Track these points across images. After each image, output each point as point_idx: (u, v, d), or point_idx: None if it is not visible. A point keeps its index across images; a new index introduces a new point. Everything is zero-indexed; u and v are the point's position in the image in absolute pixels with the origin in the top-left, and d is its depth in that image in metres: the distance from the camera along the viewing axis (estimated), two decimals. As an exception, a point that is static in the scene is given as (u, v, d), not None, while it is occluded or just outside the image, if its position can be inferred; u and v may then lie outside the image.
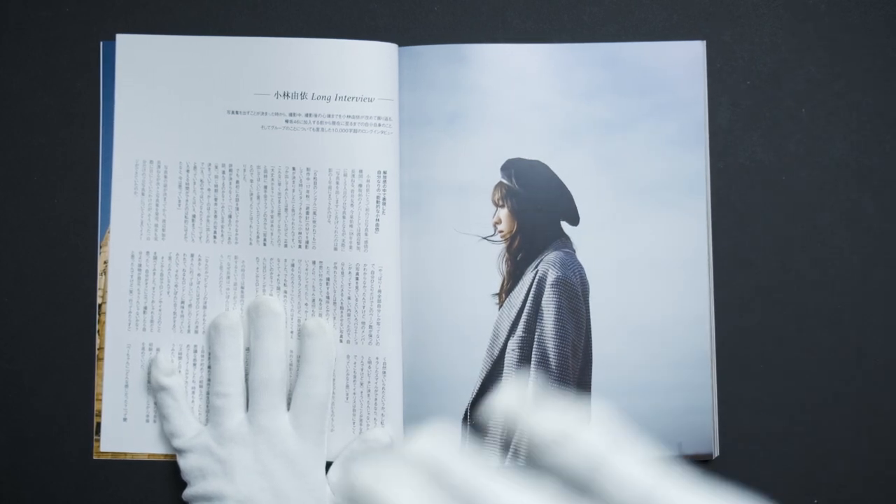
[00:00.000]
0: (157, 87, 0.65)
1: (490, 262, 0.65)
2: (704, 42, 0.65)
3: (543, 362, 0.64)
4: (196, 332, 0.65)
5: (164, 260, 0.65)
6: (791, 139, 0.66)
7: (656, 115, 0.65)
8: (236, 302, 0.64)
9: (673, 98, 0.65)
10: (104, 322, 0.65)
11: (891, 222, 0.66)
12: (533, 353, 0.64)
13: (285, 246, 0.64)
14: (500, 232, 0.65)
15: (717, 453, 0.64)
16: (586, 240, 0.64)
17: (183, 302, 0.65)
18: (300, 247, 0.64)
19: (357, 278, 0.64)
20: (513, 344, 0.64)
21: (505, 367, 0.64)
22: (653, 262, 0.64)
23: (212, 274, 0.65)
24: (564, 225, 0.65)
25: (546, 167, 0.65)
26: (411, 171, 0.65)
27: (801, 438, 0.65)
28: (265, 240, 0.64)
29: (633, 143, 0.65)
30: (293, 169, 0.64)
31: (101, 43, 0.66)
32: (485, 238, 0.65)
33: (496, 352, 0.64)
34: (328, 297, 0.64)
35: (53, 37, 0.67)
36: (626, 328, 0.64)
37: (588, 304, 0.64)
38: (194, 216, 0.65)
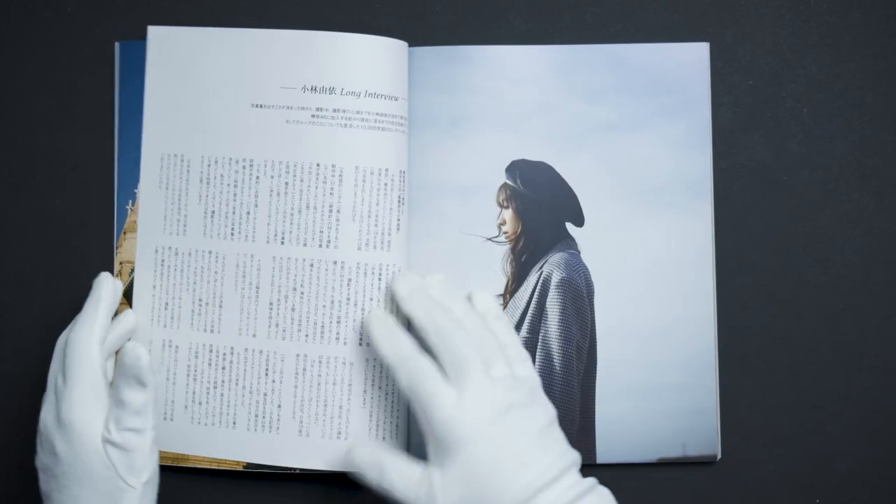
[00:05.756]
0: (183, 79, 0.64)
1: (494, 263, 0.65)
2: (709, 44, 0.65)
3: (548, 363, 0.64)
4: (212, 331, 0.64)
5: (184, 256, 0.64)
6: (792, 139, 0.66)
7: (661, 117, 0.65)
8: (251, 302, 0.63)
9: (677, 100, 0.65)
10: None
11: (892, 222, 0.66)
12: (537, 354, 0.64)
13: (304, 245, 0.62)
14: (505, 233, 0.65)
15: (720, 455, 0.64)
16: (591, 241, 0.65)
17: (200, 300, 0.64)
18: (321, 246, 0.62)
19: (380, 279, 0.62)
20: (517, 345, 0.64)
21: (509, 368, 0.64)
22: (657, 264, 0.65)
23: (228, 272, 0.64)
24: (569, 226, 0.65)
25: (551, 168, 0.65)
26: (416, 171, 0.65)
27: (803, 439, 0.65)
28: (283, 238, 0.63)
29: (638, 144, 0.65)
30: (317, 165, 0.62)
31: (117, 44, 0.66)
32: (489, 239, 0.65)
33: (500, 353, 0.64)
34: (349, 299, 0.62)
35: (54, 37, 0.66)
36: (631, 329, 0.64)
37: (593, 305, 0.64)
38: (213, 212, 0.64)
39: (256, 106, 0.63)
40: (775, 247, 0.66)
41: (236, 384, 0.64)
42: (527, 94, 0.65)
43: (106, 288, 0.61)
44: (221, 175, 0.63)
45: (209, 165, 0.64)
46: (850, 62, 0.66)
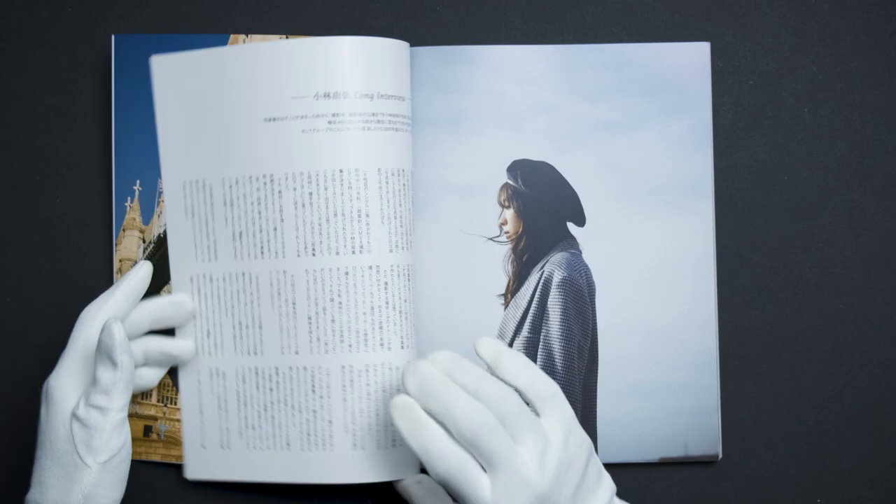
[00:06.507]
0: (193, 104, 0.63)
1: (496, 262, 0.65)
2: (710, 44, 0.65)
3: (549, 363, 0.64)
4: (255, 353, 0.62)
5: (218, 282, 0.63)
6: (793, 139, 0.66)
7: (662, 117, 0.65)
8: (289, 319, 0.61)
9: (678, 99, 0.65)
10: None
11: (892, 222, 0.66)
12: (538, 353, 0.64)
13: (337, 254, 0.60)
14: (506, 233, 0.65)
15: (721, 455, 0.64)
16: (592, 241, 0.65)
17: (240, 323, 0.63)
18: (354, 252, 0.60)
19: (409, 280, 0.61)
20: (518, 345, 0.64)
21: (510, 368, 0.64)
22: (659, 264, 0.65)
23: (263, 292, 0.62)
24: (570, 226, 0.65)
25: (552, 168, 0.65)
26: (417, 171, 0.65)
27: (805, 438, 0.66)
28: (314, 250, 0.61)
29: (639, 144, 0.65)
30: (341, 171, 0.60)
31: (113, 36, 0.65)
32: (490, 239, 0.65)
33: (502, 352, 0.64)
34: (388, 303, 0.61)
35: (54, 36, 0.66)
36: (633, 329, 0.64)
37: (594, 305, 0.64)
38: (241, 233, 0.62)
39: (269, 120, 0.61)
40: (776, 246, 0.66)
41: (285, 404, 0.62)
42: (528, 93, 0.65)
43: (132, 272, 0.61)
44: (244, 195, 0.62)
45: (230, 187, 0.62)
46: (851, 62, 0.66)
